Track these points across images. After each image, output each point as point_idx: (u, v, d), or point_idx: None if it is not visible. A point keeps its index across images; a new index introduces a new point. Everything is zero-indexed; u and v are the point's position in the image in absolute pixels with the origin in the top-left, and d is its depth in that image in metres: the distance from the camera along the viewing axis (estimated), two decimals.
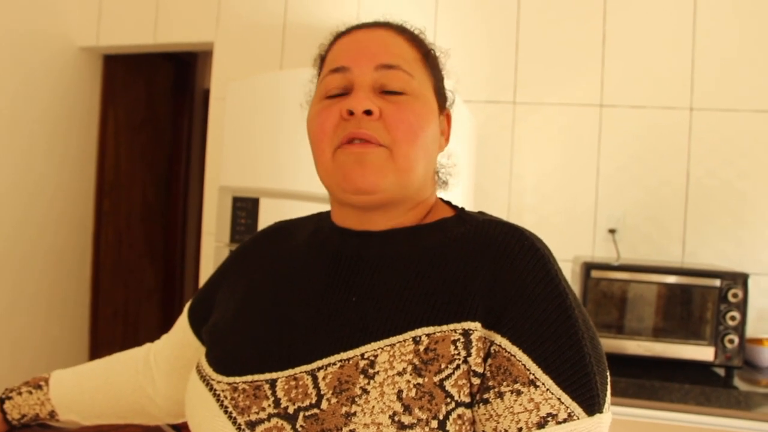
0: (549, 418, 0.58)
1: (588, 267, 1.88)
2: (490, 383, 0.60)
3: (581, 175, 2.32)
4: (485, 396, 0.60)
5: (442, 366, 0.61)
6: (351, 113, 0.69)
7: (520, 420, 0.58)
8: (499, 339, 0.61)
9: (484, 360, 0.61)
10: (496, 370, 0.60)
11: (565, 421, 0.58)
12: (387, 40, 0.74)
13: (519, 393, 0.59)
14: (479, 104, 2.38)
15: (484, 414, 0.60)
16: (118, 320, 3.30)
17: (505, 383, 0.59)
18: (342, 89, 0.72)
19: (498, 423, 0.60)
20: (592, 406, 0.59)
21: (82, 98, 2.92)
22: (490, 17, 2.40)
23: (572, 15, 2.33)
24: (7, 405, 0.95)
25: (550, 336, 0.60)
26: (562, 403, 0.58)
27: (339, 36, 0.78)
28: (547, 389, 0.58)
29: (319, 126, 0.72)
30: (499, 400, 0.59)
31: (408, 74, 0.72)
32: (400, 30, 0.77)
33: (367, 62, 0.71)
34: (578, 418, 0.58)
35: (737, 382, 1.76)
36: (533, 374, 0.59)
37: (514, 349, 0.60)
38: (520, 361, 0.59)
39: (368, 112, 0.69)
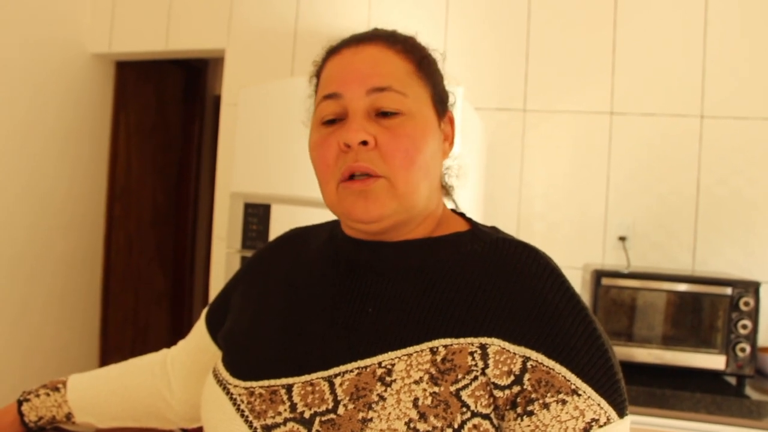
0: (593, 423, 0.62)
1: (598, 274, 1.88)
2: (533, 396, 0.62)
3: (591, 183, 2.32)
4: (529, 408, 0.62)
5: (459, 376, 0.63)
6: (348, 146, 0.70)
7: (568, 427, 0.61)
8: (534, 354, 0.63)
9: (518, 375, 0.63)
10: (537, 383, 0.62)
11: (605, 424, 0.62)
12: (377, 58, 0.72)
13: (564, 402, 0.62)
14: (489, 111, 2.39)
15: (529, 425, 0.62)
16: (128, 325, 3.32)
17: (549, 394, 0.62)
18: (337, 115, 0.72)
19: None
20: (622, 409, 0.64)
21: (94, 104, 2.95)
22: (500, 25, 2.41)
23: (582, 23, 2.34)
24: (24, 407, 0.96)
25: (581, 347, 0.64)
26: (602, 408, 0.62)
27: (331, 53, 0.77)
28: (588, 396, 0.62)
29: (321, 159, 0.73)
30: (545, 410, 0.62)
31: (401, 94, 0.71)
32: (390, 42, 0.74)
33: (357, 87, 0.71)
34: (614, 421, 0.62)
35: (749, 390, 1.75)
36: (574, 384, 0.62)
37: (551, 363, 0.63)
38: (559, 373, 0.62)
39: (364, 143, 0.69)
